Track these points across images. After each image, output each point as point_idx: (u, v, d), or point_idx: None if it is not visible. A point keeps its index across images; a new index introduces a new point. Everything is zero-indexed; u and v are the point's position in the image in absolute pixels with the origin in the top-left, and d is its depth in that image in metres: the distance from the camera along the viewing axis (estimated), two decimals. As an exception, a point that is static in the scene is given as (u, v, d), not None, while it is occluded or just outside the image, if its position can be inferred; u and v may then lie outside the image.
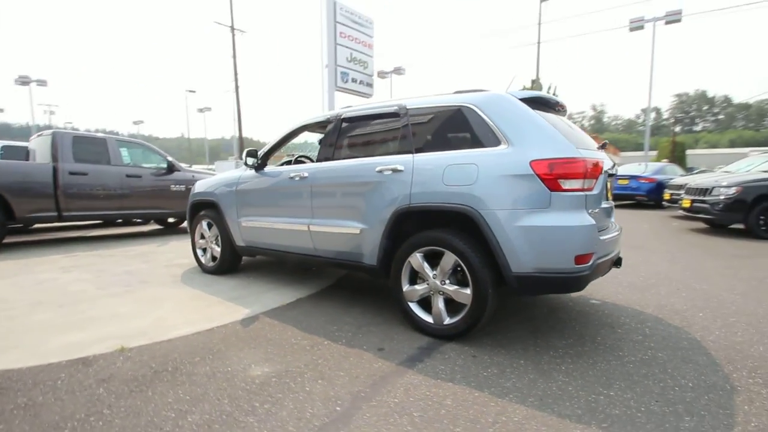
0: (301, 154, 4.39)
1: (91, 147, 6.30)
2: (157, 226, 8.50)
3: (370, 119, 3.12)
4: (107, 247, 5.82)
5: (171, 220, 8.35)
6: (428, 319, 2.61)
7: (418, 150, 2.70)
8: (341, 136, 3.21)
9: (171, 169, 7.16)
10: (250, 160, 3.63)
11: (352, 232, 2.92)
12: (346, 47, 18.98)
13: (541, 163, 2.21)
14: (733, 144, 62.32)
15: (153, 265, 4.67)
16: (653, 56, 16.64)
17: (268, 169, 3.71)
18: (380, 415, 1.76)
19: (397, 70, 23.62)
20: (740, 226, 6.68)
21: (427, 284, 2.60)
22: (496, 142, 2.40)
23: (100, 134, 6.72)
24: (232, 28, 28.01)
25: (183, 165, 7.91)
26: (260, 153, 3.68)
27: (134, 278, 4.03)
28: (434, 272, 2.56)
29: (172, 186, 7.13)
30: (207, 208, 4.27)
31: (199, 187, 4.41)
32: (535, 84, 29.23)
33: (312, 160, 4.49)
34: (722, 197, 6.56)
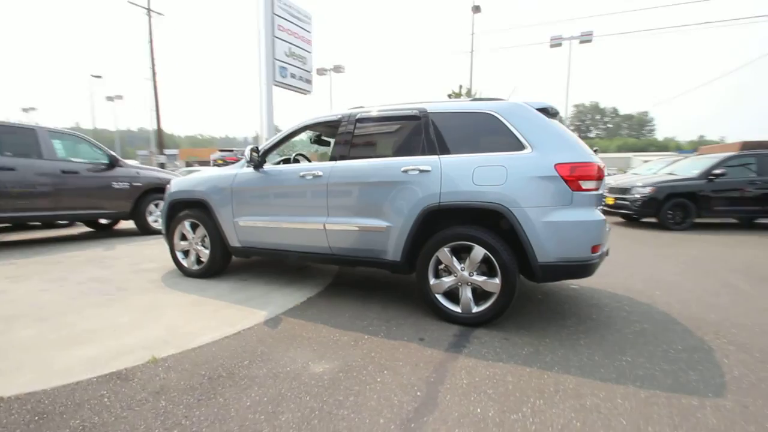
0: (298, 152, 4.30)
1: (18, 138, 5.43)
2: (86, 229, 7.56)
3: (388, 121, 3.22)
4: (45, 253, 5.09)
5: (103, 221, 7.50)
6: (456, 309, 2.81)
7: (443, 152, 2.88)
8: (357, 136, 3.27)
9: (113, 164, 6.44)
10: (252, 158, 3.50)
11: (376, 229, 3.01)
12: (285, 41, 18.47)
13: (565, 166, 2.54)
14: (620, 149, 72.52)
15: (116, 270, 4.22)
16: (569, 71, 19.08)
17: (270, 167, 3.61)
18: (460, 395, 1.91)
19: (337, 68, 23.45)
20: (653, 219, 7.98)
21: (455, 276, 2.80)
22: (520, 146, 2.68)
23: (28, 123, 5.80)
24: (149, 10, 25.47)
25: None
26: (261, 150, 3.56)
27: (108, 286, 3.64)
28: (462, 265, 2.77)
29: (114, 183, 6.43)
30: (191, 207, 3.99)
31: (178, 185, 4.09)
32: (455, 94, 31.04)
33: (308, 159, 4.45)
34: (639, 196, 7.76)
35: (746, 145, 9.78)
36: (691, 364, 2.26)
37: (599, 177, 2.61)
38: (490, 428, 1.67)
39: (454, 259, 2.79)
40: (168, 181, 7.19)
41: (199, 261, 4.00)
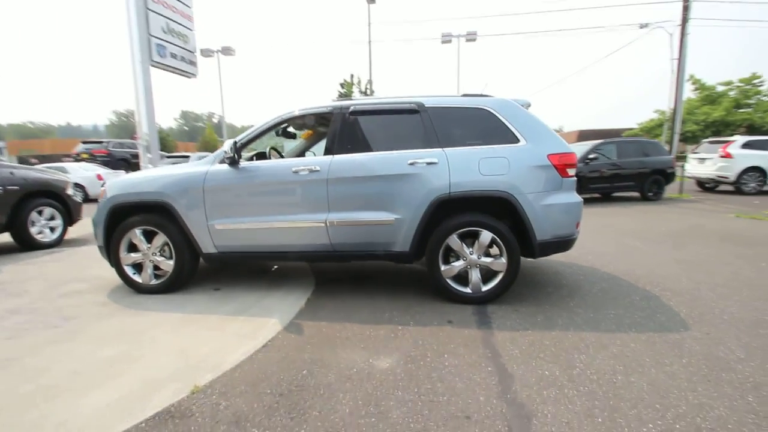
0: (271, 146, 3.95)
1: None
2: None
3: (384, 114, 3.23)
4: None
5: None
6: (466, 290, 3.05)
7: (445, 144, 3.05)
8: (352, 128, 3.20)
9: (-26, 163, 4.99)
10: (228, 154, 3.14)
11: (384, 222, 3.04)
12: (161, 15, 16.33)
13: (555, 156, 2.95)
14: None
15: (35, 297, 3.39)
16: (459, 66, 20.93)
17: (249, 163, 3.29)
18: (523, 363, 2.15)
19: (226, 51, 21.19)
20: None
21: (464, 260, 3.03)
22: (515, 139, 3.01)
23: None
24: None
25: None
26: (235, 146, 3.22)
27: (42, 317, 2.92)
28: (470, 249, 3.01)
29: (-22, 188, 5.01)
30: (144, 212, 3.40)
31: (121, 187, 3.43)
32: (347, 86, 31.32)
33: (279, 153, 4.14)
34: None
35: (582, 134, 12.19)
36: (655, 310, 2.91)
37: (576, 164, 3.09)
38: (565, 384, 1.95)
39: (463, 244, 3.01)
40: (58, 183, 5.87)
41: (157, 275, 3.46)
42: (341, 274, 3.97)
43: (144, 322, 2.80)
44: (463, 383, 1.97)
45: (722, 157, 10.56)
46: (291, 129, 4.03)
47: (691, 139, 27.60)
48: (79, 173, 12.16)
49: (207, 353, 2.32)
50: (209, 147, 47.34)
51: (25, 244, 5.46)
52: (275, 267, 4.20)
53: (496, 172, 2.92)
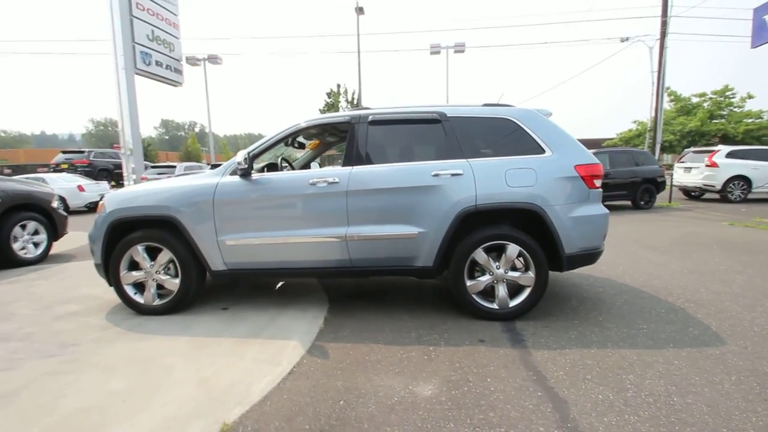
0: (282, 157, 3.78)
1: None
2: None
3: (404, 123, 3.13)
4: None
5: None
6: (492, 306, 2.94)
7: (469, 155, 2.96)
8: (372, 139, 3.08)
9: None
10: (242, 165, 2.97)
11: (407, 236, 2.91)
12: (146, 22, 16.13)
13: (582, 167, 2.89)
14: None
15: (24, 322, 3.11)
16: (448, 77, 21.16)
17: (263, 175, 3.12)
18: (571, 386, 2.04)
19: (213, 59, 20.82)
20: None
21: (490, 275, 2.92)
22: (540, 150, 2.94)
23: None
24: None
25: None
26: (249, 156, 3.05)
27: (37, 344, 2.66)
28: (497, 263, 2.91)
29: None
30: (147, 227, 3.18)
31: (121, 200, 3.21)
32: (334, 96, 31.22)
33: (290, 164, 3.99)
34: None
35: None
36: (685, 323, 2.85)
37: (602, 175, 3.04)
38: (623, 409, 1.84)
39: (489, 258, 2.90)
40: (43, 195, 5.53)
41: (161, 294, 3.23)
42: (354, 290, 3.81)
43: (152, 348, 2.58)
44: (516, 411, 1.84)
45: (708, 166, 10.86)
46: (301, 139, 3.88)
47: (668, 148, 28.55)
48: (59, 184, 11.66)
49: (230, 383, 2.12)
50: (192, 157, 46.48)
51: (7, 261, 5.10)
52: (281, 283, 4.00)
53: (524, 184, 2.84)
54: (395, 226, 2.93)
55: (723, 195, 10.73)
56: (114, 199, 3.25)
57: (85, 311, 3.32)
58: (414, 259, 2.97)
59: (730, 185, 10.61)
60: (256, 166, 3.39)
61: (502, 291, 2.92)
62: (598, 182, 2.96)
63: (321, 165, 5.09)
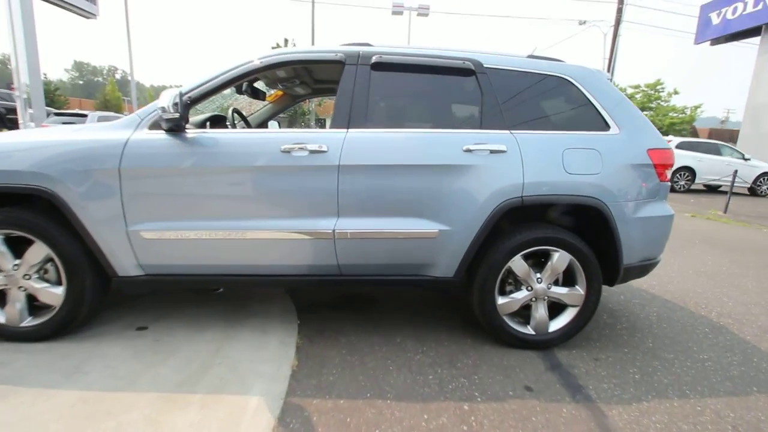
0: (234, 109, 2.60)
1: None
2: None
3: (424, 72, 2.16)
4: None
5: None
6: (526, 330, 2.21)
7: (514, 126, 2.11)
8: (374, 90, 2.10)
9: None
10: (168, 113, 1.84)
11: (424, 235, 2.04)
12: (45, -70, 13.09)
13: (656, 152, 2.18)
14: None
15: None
16: (410, 42, 19.74)
17: (206, 133, 2.02)
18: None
19: None
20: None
21: (529, 291, 2.17)
22: (604, 125, 2.17)
23: None
24: None
25: None
26: (182, 99, 1.91)
27: None
28: (538, 276, 2.16)
29: None
30: (8, 204, 1.97)
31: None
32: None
33: (244, 118, 2.84)
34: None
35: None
36: (742, 351, 2.34)
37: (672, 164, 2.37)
38: None
39: (531, 269, 2.14)
40: None
41: (33, 308, 2.07)
42: (330, 293, 2.89)
43: (21, 414, 1.50)
44: None
45: (659, 155, 11.15)
46: (261, 86, 2.76)
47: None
48: None
49: None
50: (110, 106, 40.52)
51: None
52: (220, 289, 2.93)
53: (586, 170, 2.07)
54: (407, 220, 2.04)
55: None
56: (-58, 155, 1.96)
57: None
58: (429, 267, 2.13)
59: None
60: (194, 118, 2.26)
61: (541, 311, 2.19)
62: (666, 173, 2.28)
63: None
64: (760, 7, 15.14)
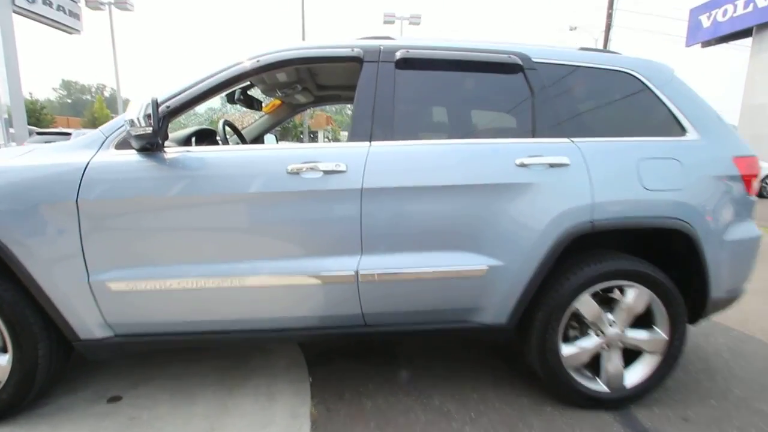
0: (225, 121, 2.16)
1: None
2: None
3: (458, 69, 1.76)
4: None
5: None
6: (597, 387, 1.78)
7: (574, 133, 1.71)
8: (401, 95, 1.69)
9: None
10: (139, 129, 1.41)
11: (469, 272, 1.61)
12: (26, -54, 12.80)
13: (743, 160, 1.79)
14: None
15: None
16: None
17: (188, 152, 1.59)
18: None
19: (121, 4, 16.57)
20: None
21: (599, 336, 1.74)
22: (681, 129, 1.79)
23: None
24: None
25: None
26: (157, 110, 1.48)
27: None
28: (610, 318, 1.74)
29: None
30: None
31: None
32: None
33: (238, 131, 2.42)
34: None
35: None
36: None
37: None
38: None
39: (602, 310, 1.72)
40: None
41: (-31, 384, 1.60)
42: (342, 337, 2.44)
43: None
44: None
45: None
46: (256, 93, 2.34)
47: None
48: None
49: None
50: (99, 124, 39.91)
51: None
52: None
53: (668, 186, 1.67)
54: (447, 255, 1.62)
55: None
56: None
57: None
58: (475, 312, 1.70)
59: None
60: (176, 133, 1.83)
61: (615, 361, 1.76)
62: (755, 186, 1.89)
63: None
64: (750, 9, 15.21)
